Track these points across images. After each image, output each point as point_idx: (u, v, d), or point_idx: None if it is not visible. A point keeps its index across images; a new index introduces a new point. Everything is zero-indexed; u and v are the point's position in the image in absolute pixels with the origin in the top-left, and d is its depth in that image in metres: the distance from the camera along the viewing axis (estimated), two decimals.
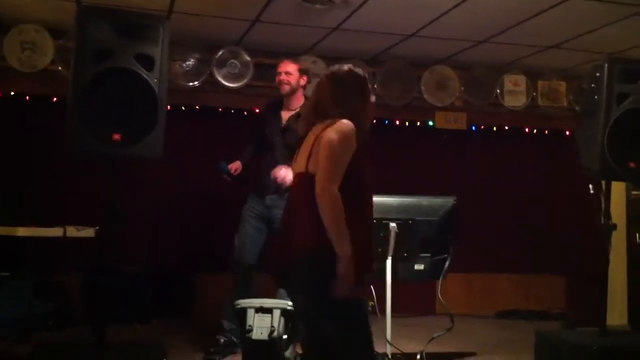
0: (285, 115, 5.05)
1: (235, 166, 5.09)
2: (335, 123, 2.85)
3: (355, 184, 2.80)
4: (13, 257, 5.67)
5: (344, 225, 2.70)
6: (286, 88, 4.99)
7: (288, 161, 5.00)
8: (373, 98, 3.18)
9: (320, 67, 6.55)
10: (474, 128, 7.38)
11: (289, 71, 4.98)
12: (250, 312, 3.89)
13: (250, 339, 3.83)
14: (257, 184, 5.06)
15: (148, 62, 3.87)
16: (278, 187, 4.72)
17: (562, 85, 7.20)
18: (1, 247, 5.41)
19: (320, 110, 2.95)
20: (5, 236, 5.19)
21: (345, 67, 3.06)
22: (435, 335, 4.34)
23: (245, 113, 6.65)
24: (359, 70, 3.06)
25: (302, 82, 5.03)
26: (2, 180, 6.02)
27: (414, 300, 6.50)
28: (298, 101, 5.03)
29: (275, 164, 4.82)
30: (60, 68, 5.88)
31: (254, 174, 5.15)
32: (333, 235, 2.70)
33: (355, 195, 2.79)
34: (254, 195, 5.10)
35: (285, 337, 3.91)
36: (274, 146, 5.00)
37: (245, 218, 5.08)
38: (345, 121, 2.85)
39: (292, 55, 6.49)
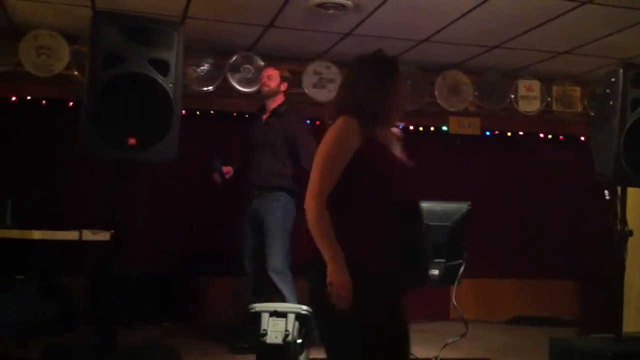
0: (265, 116, 5.49)
1: (227, 170, 5.51)
2: (332, 124, 2.70)
3: (366, 184, 2.62)
4: (24, 259, 5.71)
5: (327, 240, 2.53)
6: (265, 89, 5.48)
7: (270, 161, 5.26)
8: (402, 83, 2.93)
9: (333, 72, 6.57)
10: (487, 133, 7.36)
11: (271, 75, 5.46)
12: (265, 316, 3.90)
13: (264, 342, 3.84)
14: (244, 189, 5.41)
15: (163, 67, 3.90)
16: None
17: (577, 91, 7.16)
18: (13, 250, 5.43)
19: (331, 110, 2.78)
20: (16, 239, 5.21)
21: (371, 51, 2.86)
22: (449, 341, 4.33)
23: None
24: (383, 53, 2.86)
25: (283, 87, 5.48)
26: (16, 183, 6.05)
27: (428, 305, 6.48)
28: (276, 103, 5.45)
29: (257, 165, 5.31)
30: (75, 73, 5.92)
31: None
32: (320, 249, 2.56)
33: (365, 198, 2.62)
34: (245, 200, 5.41)
35: (299, 341, 3.92)
36: (254, 147, 5.44)
37: (243, 225, 5.42)
38: (339, 120, 2.67)
39: (305, 60, 6.54)
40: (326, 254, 2.53)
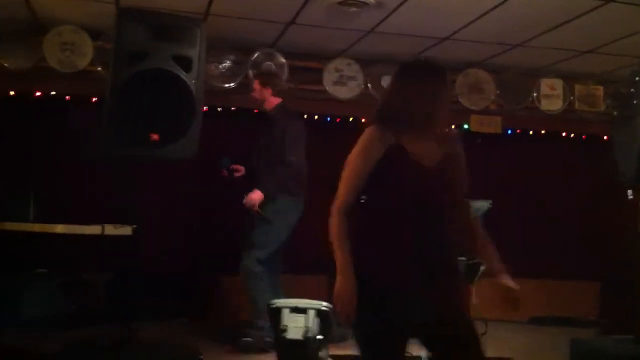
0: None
1: (237, 167, 5.61)
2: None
3: (387, 194, 2.70)
4: (46, 254, 5.76)
5: (340, 253, 2.64)
6: (254, 100, 5.63)
7: (265, 165, 5.34)
8: (446, 89, 2.89)
9: (354, 70, 6.56)
10: (509, 132, 7.32)
11: (253, 87, 5.60)
12: (285, 311, 3.91)
13: (284, 338, 3.85)
14: None
15: (185, 63, 3.93)
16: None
17: (600, 90, 7.10)
18: (35, 244, 5.49)
19: (370, 116, 2.86)
20: (39, 233, 5.26)
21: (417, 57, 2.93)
22: None
23: None
24: (428, 59, 2.91)
25: (266, 93, 5.52)
26: (38, 178, 6.12)
27: None
28: (269, 108, 5.54)
29: (259, 170, 5.43)
30: (99, 69, 5.96)
31: None
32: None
33: (374, 205, 2.71)
34: None
35: (319, 337, 3.92)
36: (258, 154, 5.55)
37: None
38: (365, 132, 2.74)
39: (326, 57, 6.54)
40: (337, 265, 2.64)
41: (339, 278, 2.61)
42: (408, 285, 2.63)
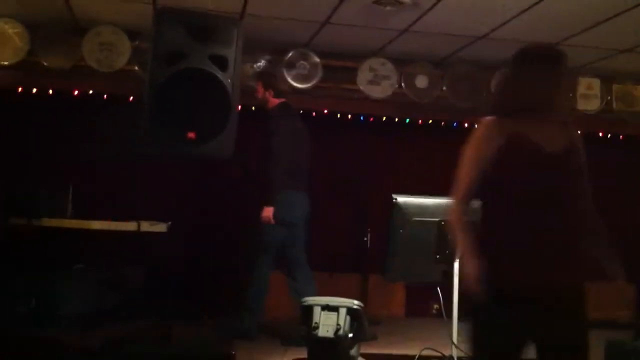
0: None
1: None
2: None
3: (500, 189, 2.63)
4: (85, 250, 5.85)
5: (460, 239, 2.67)
6: (257, 101, 5.72)
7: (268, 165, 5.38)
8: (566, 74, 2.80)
9: (388, 69, 6.56)
10: None
11: (256, 88, 5.66)
12: (317, 309, 3.93)
13: (316, 336, 3.87)
14: None
15: (222, 63, 3.96)
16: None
17: (638, 90, 6.99)
18: (73, 240, 5.58)
19: (486, 107, 2.80)
20: (78, 230, 5.35)
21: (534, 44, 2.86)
22: None
23: (314, 114, 6.71)
24: (547, 45, 2.85)
25: (268, 95, 5.62)
26: (76, 174, 6.22)
27: None
28: (270, 106, 5.64)
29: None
30: (136, 68, 6.06)
31: None
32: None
33: (500, 202, 2.64)
34: None
35: (350, 335, 3.93)
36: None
37: None
38: (478, 125, 2.72)
39: (361, 56, 6.54)
40: (464, 250, 2.65)
41: (465, 259, 2.61)
42: (535, 283, 2.56)
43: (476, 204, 2.73)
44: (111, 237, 5.49)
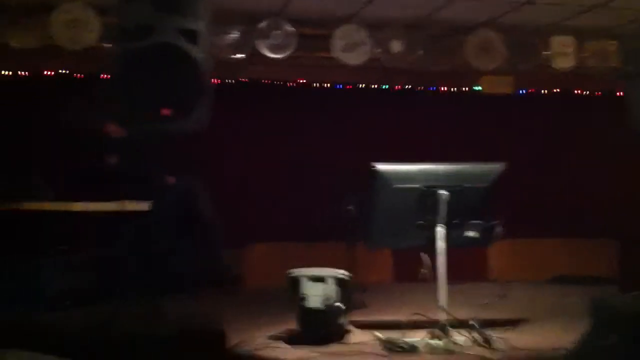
0: None
1: None
2: None
3: None
4: (66, 231, 5.80)
5: None
6: None
7: None
8: None
9: (362, 35, 6.49)
10: (521, 92, 7.25)
11: None
12: (304, 280, 3.93)
13: (305, 307, 3.87)
14: None
15: (191, 36, 3.88)
16: None
17: (613, 45, 6.98)
18: (56, 222, 5.52)
19: None
20: (60, 212, 5.29)
21: None
22: (487, 301, 4.32)
23: (290, 84, 6.65)
24: None
25: None
26: (54, 156, 6.14)
27: (466, 267, 6.47)
28: None
29: None
30: (107, 45, 5.94)
31: None
32: None
33: None
34: None
35: (339, 304, 3.94)
36: None
37: None
38: None
39: (334, 24, 6.47)
40: None
41: None
42: None
43: None
44: (94, 218, 5.44)
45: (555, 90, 7.28)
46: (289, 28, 6.36)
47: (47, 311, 5.00)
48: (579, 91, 7.39)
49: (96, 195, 5.40)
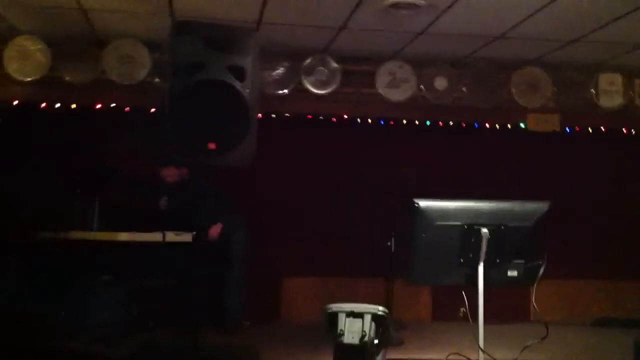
0: None
1: None
2: None
3: None
4: (114, 261, 5.91)
5: None
6: None
7: None
8: None
9: (406, 72, 6.55)
10: (568, 130, 7.18)
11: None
12: (342, 316, 3.93)
13: (341, 343, 3.87)
14: None
15: (239, 73, 3.99)
16: None
17: None
18: (100, 252, 5.63)
19: None
20: (106, 241, 5.40)
21: None
22: (529, 343, 4.25)
23: (334, 119, 6.72)
24: None
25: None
26: (101, 186, 6.27)
27: (507, 307, 6.38)
28: None
29: None
30: (157, 80, 6.11)
31: None
32: None
33: None
34: None
35: (376, 341, 3.93)
36: None
37: None
38: None
39: (378, 60, 6.54)
40: None
41: None
42: None
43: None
44: (138, 248, 5.54)
45: (601, 129, 7.19)
46: (334, 65, 6.45)
47: (89, 340, 5.10)
48: (626, 130, 7.28)
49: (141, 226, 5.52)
